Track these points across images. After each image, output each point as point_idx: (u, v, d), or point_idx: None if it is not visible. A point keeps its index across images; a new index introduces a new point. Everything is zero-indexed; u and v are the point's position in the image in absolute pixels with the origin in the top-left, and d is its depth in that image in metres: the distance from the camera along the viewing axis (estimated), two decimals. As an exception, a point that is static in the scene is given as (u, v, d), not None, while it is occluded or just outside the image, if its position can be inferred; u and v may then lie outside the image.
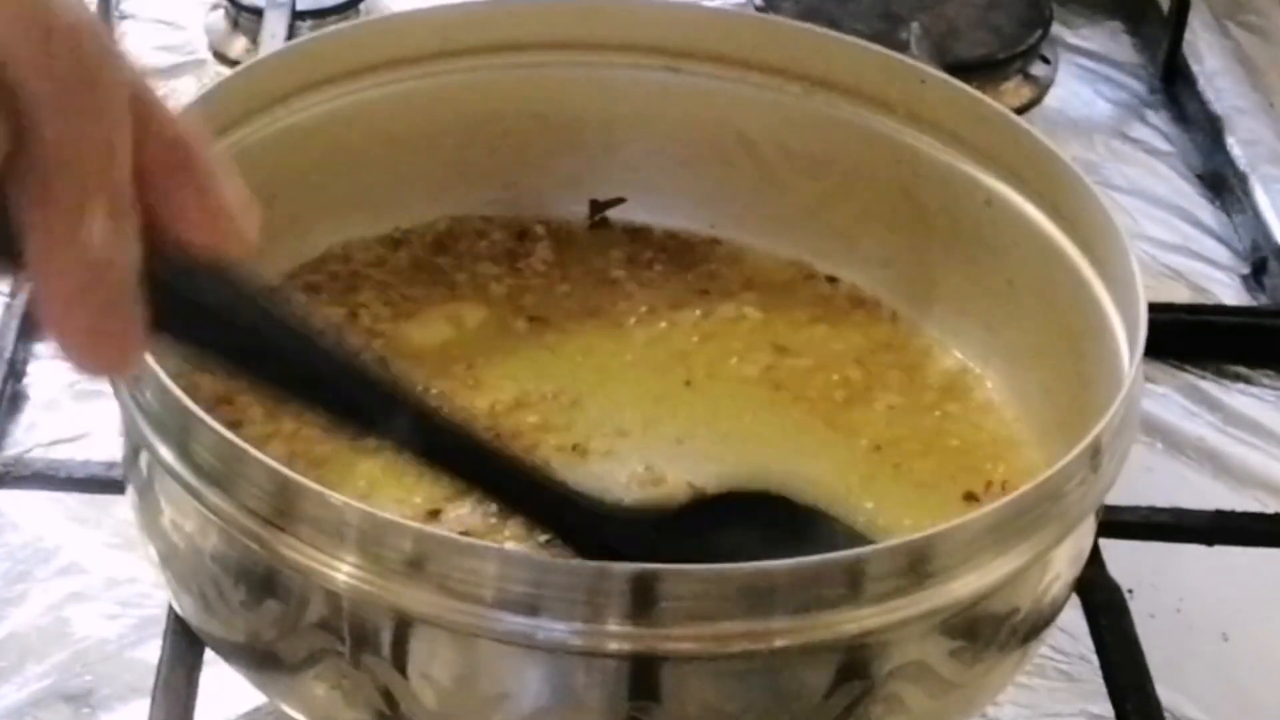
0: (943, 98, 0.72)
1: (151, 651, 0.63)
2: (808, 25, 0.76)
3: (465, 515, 0.63)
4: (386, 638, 0.54)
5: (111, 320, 0.43)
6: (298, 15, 0.97)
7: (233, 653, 0.59)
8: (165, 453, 0.56)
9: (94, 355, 0.43)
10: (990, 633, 0.57)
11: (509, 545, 0.61)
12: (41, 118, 0.42)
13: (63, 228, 0.42)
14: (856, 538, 0.58)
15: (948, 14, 1.01)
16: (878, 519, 0.65)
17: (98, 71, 0.42)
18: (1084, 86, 1.04)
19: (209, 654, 0.61)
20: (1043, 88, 1.01)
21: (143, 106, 0.44)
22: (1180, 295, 0.90)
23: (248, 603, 0.56)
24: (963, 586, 0.54)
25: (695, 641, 0.52)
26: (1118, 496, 0.63)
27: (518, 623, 0.52)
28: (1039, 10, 1.02)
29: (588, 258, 0.76)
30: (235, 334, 0.47)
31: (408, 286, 0.73)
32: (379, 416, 0.51)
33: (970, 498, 0.66)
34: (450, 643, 0.53)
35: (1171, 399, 0.84)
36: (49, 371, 0.80)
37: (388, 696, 0.54)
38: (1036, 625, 0.59)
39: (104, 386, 0.59)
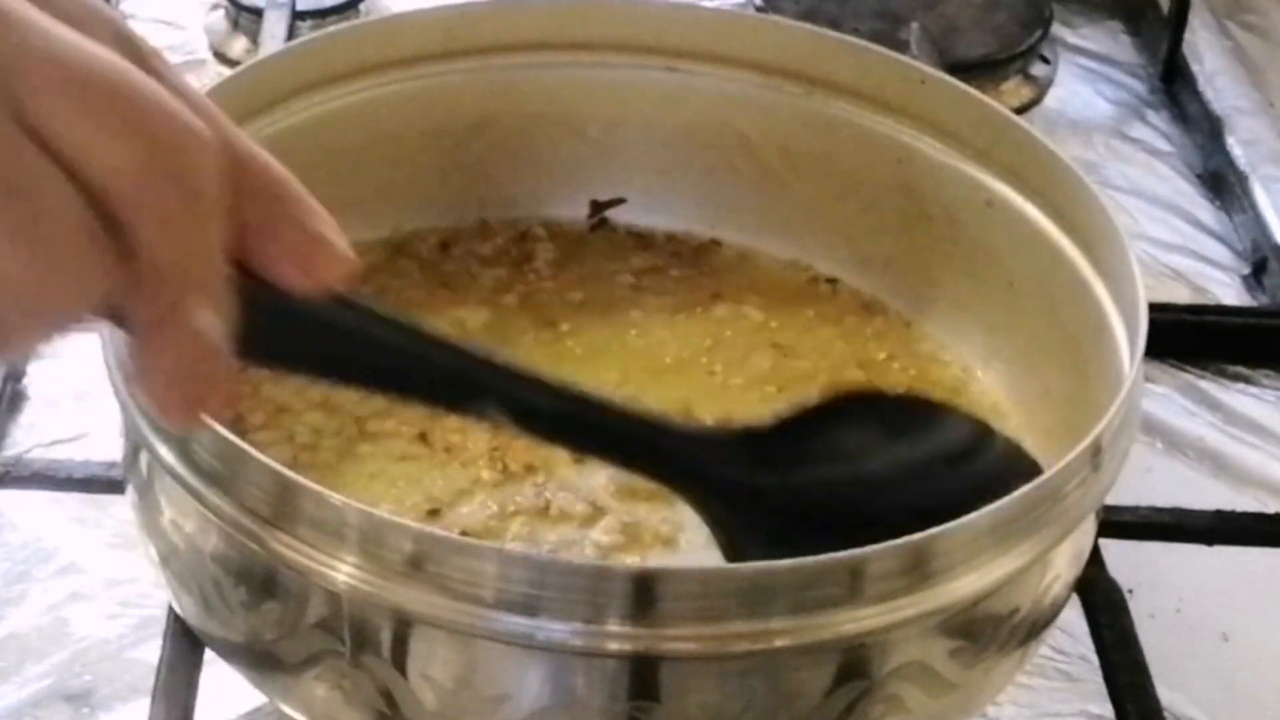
0: (943, 98, 0.72)
1: (151, 651, 0.63)
2: (808, 25, 0.76)
3: (465, 515, 0.63)
4: (386, 638, 0.54)
5: (207, 389, 0.44)
6: (298, 15, 0.97)
7: (233, 653, 0.59)
8: (165, 453, 0.56)
9: (187, 417, 0.45)
10: (990, 633, 0.57)
11: (509, 545, 0.61)
12: (145, 236, 0.42)
13: (169, 318, 0.43)
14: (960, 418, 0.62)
15: (948, 14, 1.01)
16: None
17: (194, 170, 0.43)
18: (1084, 86, 1.04)
19: (209, 654, 0.61)
20: (1043, 88, 1.01)
21: (231, 161, 0.44)
22: (1180, 295, 0.90)
23: (248, 603, 0.56)
24: (963, 586, 0.54)
25: (695, 641, 0.52)
26: (1118, 496, 0.63)
27: (518, 623, 0.52)
28: (1039, 10, 1.02)
29: (589, 259, 0.76)
30: (329, 347, 0.49)
31: (410, 290, 0.73)
32: (473, 394, 0.52)
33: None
34: (450, 643, 0.53)
35: (1171, 399, 0.84)
36: (49, 371, 0.80)
37: (388, 697, 0.54)
38: (1036, 625, 0.59)
39: (104, 386, 0.59)
